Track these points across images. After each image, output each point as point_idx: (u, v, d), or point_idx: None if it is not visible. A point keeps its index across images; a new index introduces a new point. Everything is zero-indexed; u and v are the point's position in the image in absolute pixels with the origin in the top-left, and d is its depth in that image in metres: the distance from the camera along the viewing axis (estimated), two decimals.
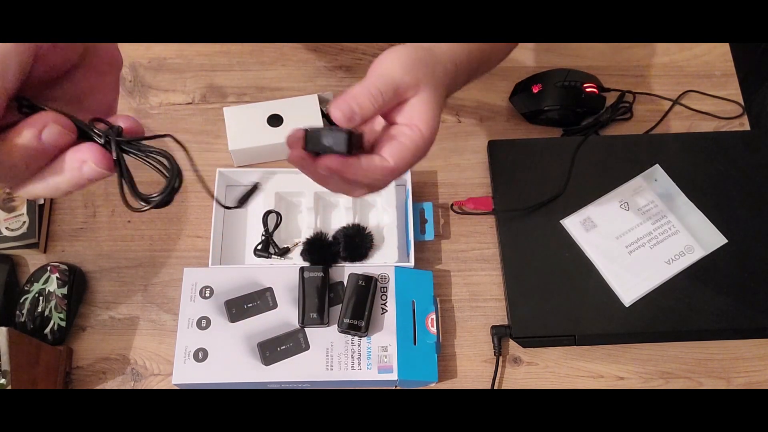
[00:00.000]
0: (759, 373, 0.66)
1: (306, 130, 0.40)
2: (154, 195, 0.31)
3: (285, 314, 0.62)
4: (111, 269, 0.69)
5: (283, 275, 0.63)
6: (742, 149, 0.72)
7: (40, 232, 0.68)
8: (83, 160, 0.29)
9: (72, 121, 0.30)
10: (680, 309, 0.64)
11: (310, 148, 0.40)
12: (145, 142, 0.31)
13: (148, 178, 0.31)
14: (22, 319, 0.64)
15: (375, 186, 0.43)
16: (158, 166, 0.31)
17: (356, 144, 0.40)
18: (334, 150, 0.39)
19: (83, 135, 0.30)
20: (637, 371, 0.66)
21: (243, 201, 0.37)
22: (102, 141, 0.30)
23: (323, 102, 0.73)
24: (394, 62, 0.43)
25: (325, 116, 0.72)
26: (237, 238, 0.69)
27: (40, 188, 0.30)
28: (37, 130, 0.28)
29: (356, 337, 0.61)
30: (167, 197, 0.31)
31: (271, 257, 0.66)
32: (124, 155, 0.30)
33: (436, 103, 0.43)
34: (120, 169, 0.30)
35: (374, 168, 0.41)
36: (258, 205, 0.69)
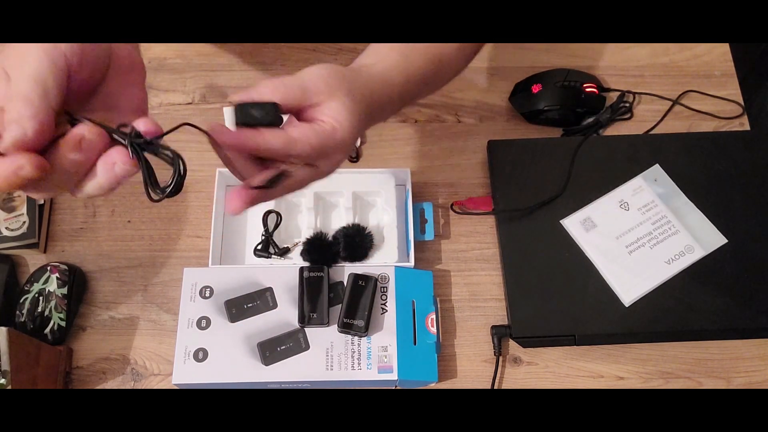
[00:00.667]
0: (759, 373, 0.66)
1: (235, 104, 0.40)
2: (167, 185, 0.36)
3: (285, 314, 0.62)
4: (111, 269, 0.69)
5: (283, 275, 0.63)
6: (742, 149, 0.72)
7: (40, 232, 0.68)
8: (114, 162, 0.34)
9: (103, 128, 0.34)
10: (680, 309, 0.64)
11: (240, 120, 0.40)
12: (160, 141, 0.36)
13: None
14: (22, 319, 0.64)
15: (265, 152, 0.41)
16: (165, 159, 0.36)
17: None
18: (264, 121, 0.40)
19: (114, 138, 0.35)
20: (637, 371, 0.66)
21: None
22: (126, 143, 0.35)
23: None
24: (311, 69, 0.44)
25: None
26: (237, 238, 0.69)
27: (90, 188, 0.35)
28: (77, 142, 0.33)
29: (356, 337, 0.61)
30: (177, 182, 0.36)
31: (271, 257, 0.66)
32: (145, 153, 0.35)
33: (354, 111, 0.44)
34: (141, 166, 0.35)
35: (272, 132, 0.40)
36: (258, 205, 0.69)
